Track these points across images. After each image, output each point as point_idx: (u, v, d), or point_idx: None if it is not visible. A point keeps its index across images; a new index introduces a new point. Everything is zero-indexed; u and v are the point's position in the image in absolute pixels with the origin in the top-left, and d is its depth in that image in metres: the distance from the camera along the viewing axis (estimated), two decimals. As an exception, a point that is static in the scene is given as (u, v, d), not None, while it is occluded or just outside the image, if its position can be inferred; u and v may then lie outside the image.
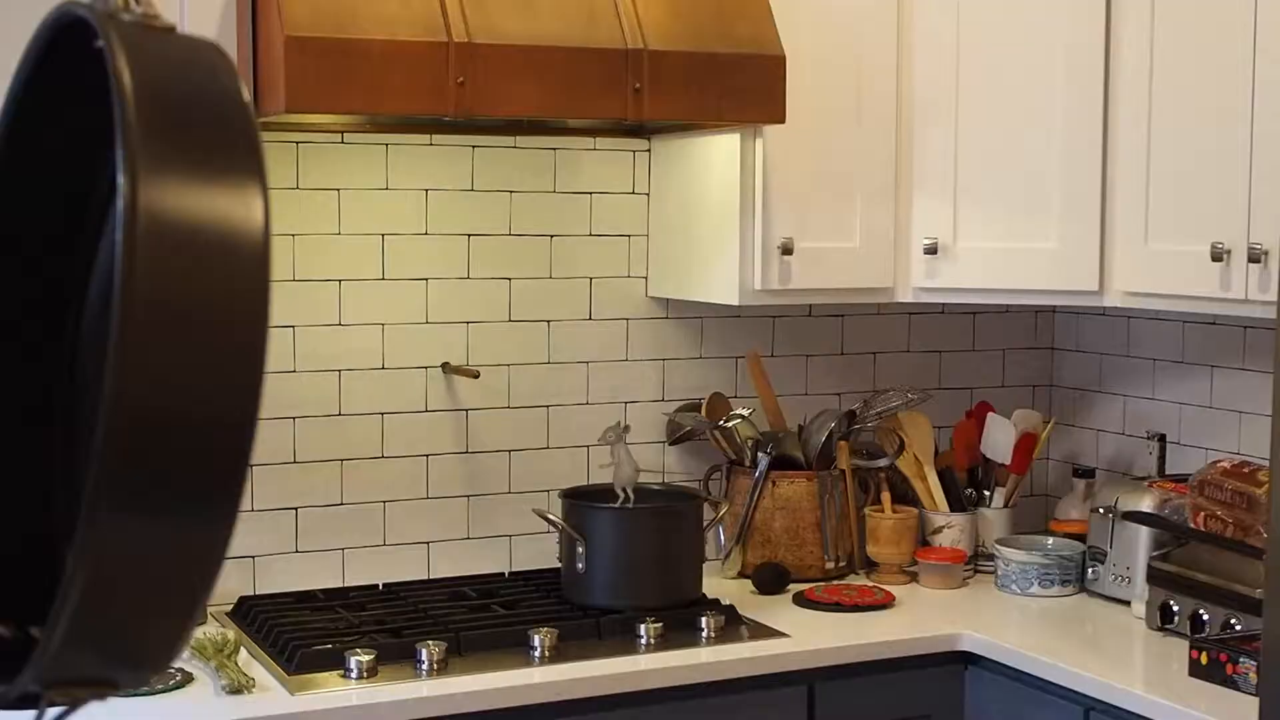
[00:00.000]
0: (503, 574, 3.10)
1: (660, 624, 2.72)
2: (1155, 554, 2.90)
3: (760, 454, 3.18)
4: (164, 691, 2.41)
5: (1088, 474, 3.36)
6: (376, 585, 2.98)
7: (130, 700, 2.35)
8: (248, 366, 0.71)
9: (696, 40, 2.70)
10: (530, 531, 3.09)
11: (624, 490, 2.90)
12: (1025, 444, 3.31)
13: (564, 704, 2.52)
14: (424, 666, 2.51)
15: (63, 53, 0.79)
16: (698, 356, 3.31)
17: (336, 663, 2.50)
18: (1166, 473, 3.20)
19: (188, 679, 2.46)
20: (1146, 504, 2.97)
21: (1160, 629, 2.82)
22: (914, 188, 3.06)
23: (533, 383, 3.14)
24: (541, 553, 3.09)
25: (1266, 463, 2.40)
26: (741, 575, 3.19)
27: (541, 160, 3.11)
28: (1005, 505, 3.34)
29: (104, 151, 0.77)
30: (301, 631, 2.64)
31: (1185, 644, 2.62)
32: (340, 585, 2.98)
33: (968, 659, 2.84)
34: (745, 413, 3.20)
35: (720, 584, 3.14)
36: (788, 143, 2.92)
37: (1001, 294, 3.10)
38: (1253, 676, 2.41)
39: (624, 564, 2.86)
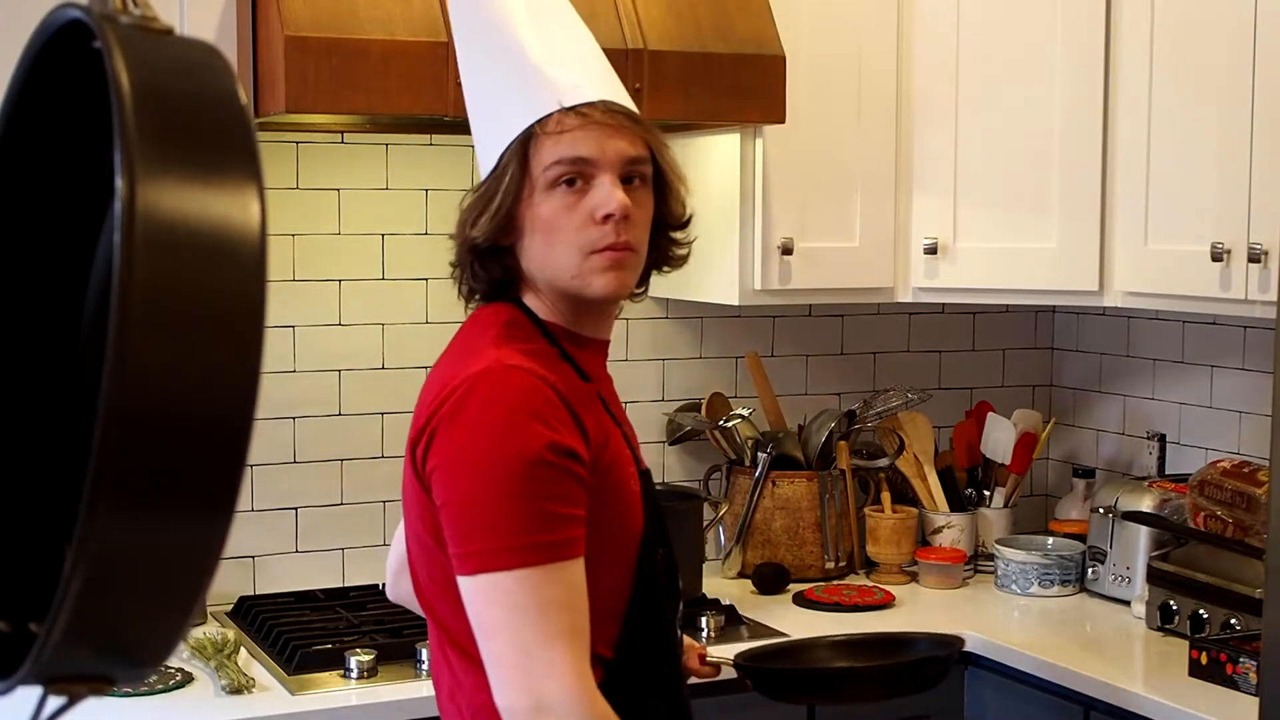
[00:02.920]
0: (503, 574, 3.09)
1: (660, 624, 2.72)
2: (1155, 554, 2.90)
3: (760, 454, 3.18)
4: (164, 691, 2.41)
5: (1088, 474, 3.36)
6: (376, 585, 2.98)
7: (131, 700, 2.36)
8: (245, 365, 0.72)
9: (696, 40, 2.70)
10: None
11: None
12: (1025, 444, 3.31)
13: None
14: (424, 666, 2.51)
15: (60, 54, 0.80)
16: (698, 356, 3.31)
17: (336, 663, 2.50)
18: (1166, 473, 3.20)
19: (188, 679, 2.46)
20: (1146, 504, 2.98)
21: (1160, 629, 2.82)
22: (914, 187, 3.07)
23: (533, 383, 3.14)
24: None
25: (1266, 463, 2.41)
26: (741, 575, 3.19)
27: (542, 160, 3.11)
28: (1005, 505, 3.34)
29: (101, 153, 0.78)
30: (301, 631, 2.65)
31: (1185, 644, 2.63)
32: (340, 585, 2.98)
33: (968, 659, 2.84)
34: (745, 413, 3.20)
35: (720, 584, 3.14)
36: (788, 143, 2.92)
37: (1001, 294, 3.10)
38: (1253, 676, 2.41)
39: (624, 564, 2.86)
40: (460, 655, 1.68)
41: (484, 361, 1.62)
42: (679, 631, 1.85)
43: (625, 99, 1.73)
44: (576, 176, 1.66)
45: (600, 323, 1.78)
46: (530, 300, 1.73)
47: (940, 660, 2.18)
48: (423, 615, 1.97)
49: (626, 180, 1.68)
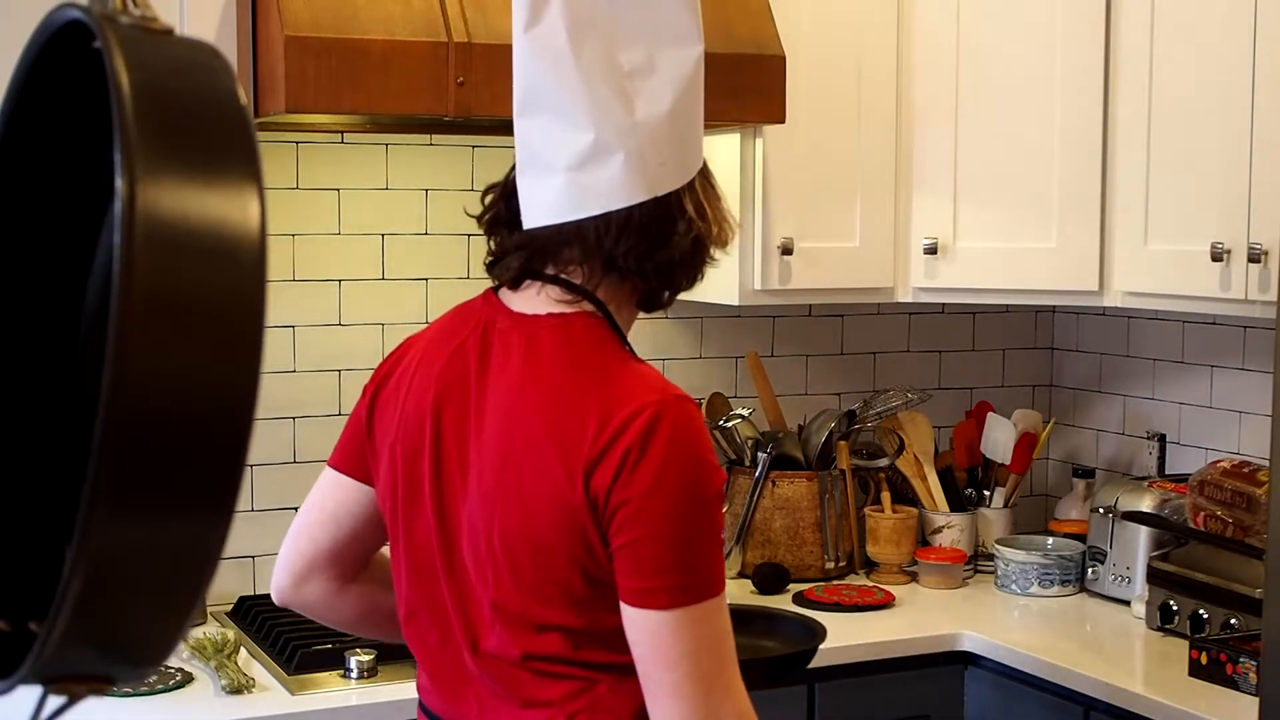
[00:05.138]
0: (503, 574, 3.09)
1: (660, 624, 2.72)
2: (1155, 554, 2.90)
3: (760, 454, 3.18)
4: (164, 691, 2.41)
5: (1088, 474, 3.36)
6: (377, 585, 2.98)
7: (131, 700, 2.36)
8: (245, 366, 0.72)
9: (696, 40, 2.70)
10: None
11: None
12: (1025, 444, 3.31)
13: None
14: (424, 666, 2.51)
15: (60, 54, 0.80)
16: (698, 356, 3.31)
17: (336, 663, 2.50)
18: (1166, 473, 3.20)
19: (188, 679, 2.46)
20: (1146, 504, 2.98)
21: (1160, 629, 2.82)
22: (914, 188, 3.07)
23: (533, 383, 3.14)
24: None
25: (1266, 463, 2.41)
26: (741, 575, 3.19)
27: (542, 160, 3.11)
28: (1005, 505, 3.34)
29: (101, 153, 0.78)
30: (301, 631, 2.64)
31: (1185, 644, 2.63)
32: (341, 585, 2.98)
33: (968, 659, 2.85)
34: (745, 413, 3.20)
35: (720, 584, 3.14)
36: (788, 143, 2.92)
37: (1001, 294, 3.10)
38: (1253, 676, 2.42)
39: (624, 564, 2.86)
40: (551, 679, 1.63)
41: (652, 390, 1.57)
42: None
43: None
44: None
45: None
46: (613, 300, 1.66)
47: (802, 655, 2.28)
48: (322, 622, 1.92)
49: None
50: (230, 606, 2.86)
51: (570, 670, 1.62)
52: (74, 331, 0.85)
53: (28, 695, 0.79)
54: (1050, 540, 3.22)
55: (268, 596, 2.89)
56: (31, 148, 0.82)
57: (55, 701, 0.76)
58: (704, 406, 3.25)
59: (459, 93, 2.49)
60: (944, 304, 3.50)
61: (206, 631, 2.62)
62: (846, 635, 2.80)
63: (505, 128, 3.04)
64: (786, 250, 2.93)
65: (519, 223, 1.66)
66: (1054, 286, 3.00)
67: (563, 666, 1.62)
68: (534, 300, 1.66)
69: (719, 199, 1.71)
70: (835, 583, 3.16)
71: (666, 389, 1.59)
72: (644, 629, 1.56)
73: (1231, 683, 2.48)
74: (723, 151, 2.98)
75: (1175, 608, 2.78)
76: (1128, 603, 2.98)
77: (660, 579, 1.54)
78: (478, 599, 1.64)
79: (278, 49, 2.39)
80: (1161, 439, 3.25)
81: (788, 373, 3.39)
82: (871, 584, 3.16)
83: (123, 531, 0.70)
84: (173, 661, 2.48)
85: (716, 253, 1.70)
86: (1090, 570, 3.10)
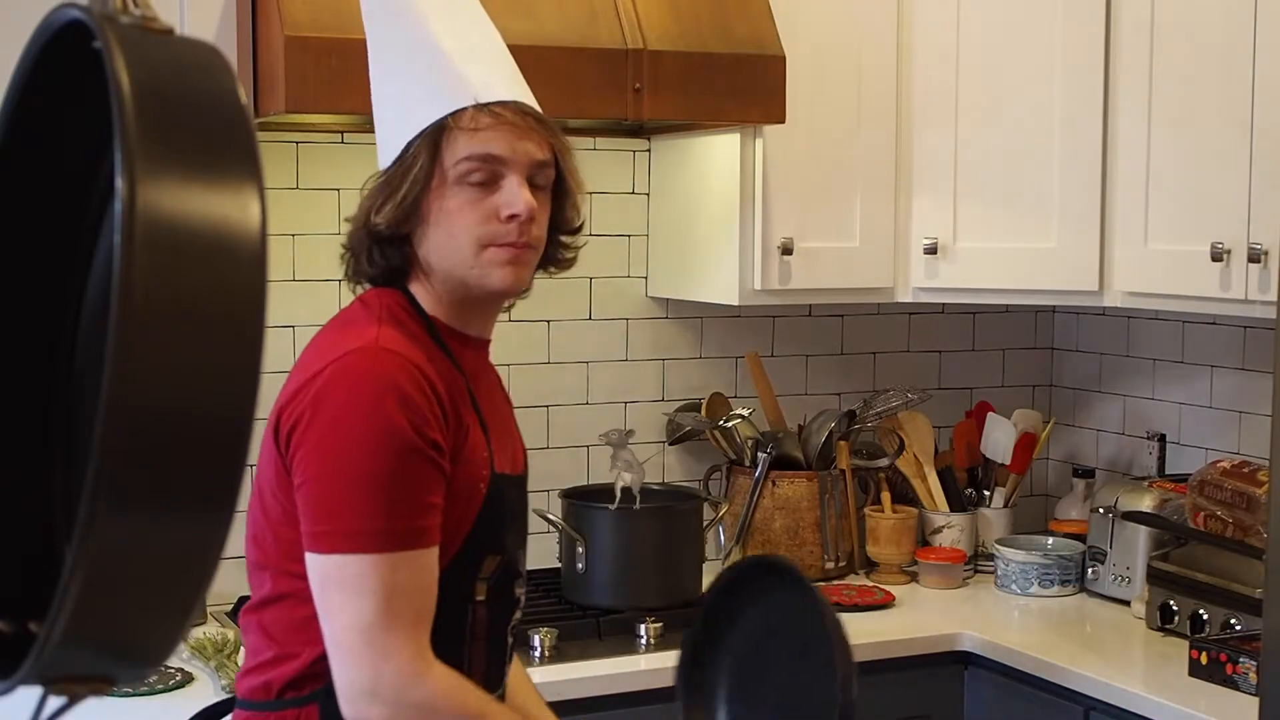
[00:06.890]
0: (503, 574, 3.09)
1: (660, 624, 2.72)
2: (1155, 554, 2.90)
3: (760, 454, 3.18)
4: (164, 691, 2.41)
5: (1088, 474, 3.36)
6: (377, 585, 2.98)
7: (131, 700, 2.36)
8: (245, 366, 0.72)
9: (696, 40, 2.70)
10: (530, 531, 3.08)
11: (635, 494, 2.87)
12: (1025, 444, 3.31)
13: (563, 704, 2.51)
14: (424, 666, 2.51)
15: (60, 54, 0.80)
16: (698, 356, 3.31)
17: (337, 662, 2.50)
18: (1166, 473, 3.20)
19: (188, 679, 2.46)
20: (1146, 504, 2.98)
21: (1160, 629, 2.82)
22: (914, 188, 3.07)
23: (533, 382, 3.14)
24: (541, 553, 3.08)
25: (1266, 463, 2.41)
26: (742, 575, 3.18)
27: (542, 160, 3.11)
28: (1005, 505, 3.34)
29: (102, 153, 0.78)
30: (302, 631, 2.64)
31: (1185, 644, 2.63)
32: (341, 585, 2.97)
33: (967, 659, 2.85)
34: (745, 413, 3.20)
35: (720, 584, 3.14)
36: (788, 143, 2.92)
37: (1001, 294, 3.10)
38: (1253, 676, 2.42)
39: (624, 564, 2.86)
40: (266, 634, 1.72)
41: (360, 341, 1.65)
42: (509, 642, 1.85)
43: (532, 100, 1.77)
44: (485, 174, 1.69)
45: (484, 321, 1.81)
46: (418, 290, 1.76)
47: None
48: None
49: (529, 181, 1.72)
50: (230, 606, 2.86)
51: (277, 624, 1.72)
52: (74, 331, 0.85)
53: (28, 696, 0.79)
54: (1050, 540, 3.22)
55: (268, 596, 2.89)
56: (32, 148, 0.82)
57: (55, 702, 0.76)
58: (704, 406, 3.25)
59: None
60: (944, 304, 3.50)
61: (206, 631, 2.62)
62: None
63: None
64: (786, 250, 2.93)
65: None
66: (1054, 286, 3.00)
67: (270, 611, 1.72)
68: None
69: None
70: (835, 583, 3.16)
71: (375, 340, 1.65)
72: (311, 573, 1.61)
73: (1231, 683, 2.48)
74: (723, 151, 2.98)
75: (1175, 608, 2.78)
76: (1128, 603, 2.98)
77: (318, 524, 1.59)
78: None
79: (278, 49, 2.39)
80: (1161, 439, 3.25)
81: (788, 373, 3.39)
82: (871, 584, 3.16)
83: (122, 531, 0.70)
84: (173, 661, 2.48)
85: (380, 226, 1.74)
86: (1090, 570, 3.10)
